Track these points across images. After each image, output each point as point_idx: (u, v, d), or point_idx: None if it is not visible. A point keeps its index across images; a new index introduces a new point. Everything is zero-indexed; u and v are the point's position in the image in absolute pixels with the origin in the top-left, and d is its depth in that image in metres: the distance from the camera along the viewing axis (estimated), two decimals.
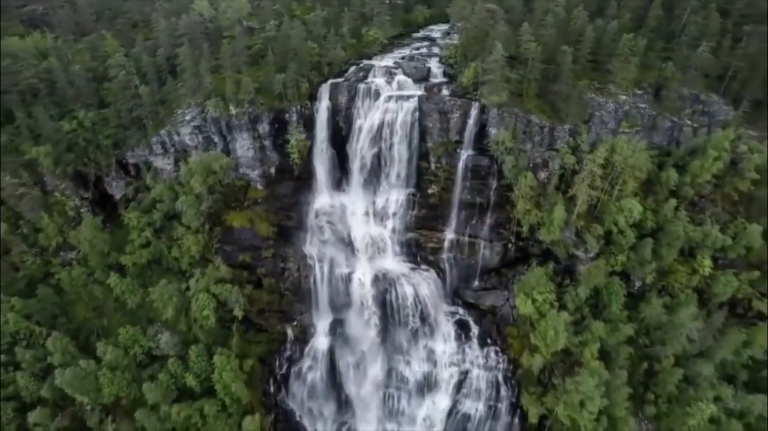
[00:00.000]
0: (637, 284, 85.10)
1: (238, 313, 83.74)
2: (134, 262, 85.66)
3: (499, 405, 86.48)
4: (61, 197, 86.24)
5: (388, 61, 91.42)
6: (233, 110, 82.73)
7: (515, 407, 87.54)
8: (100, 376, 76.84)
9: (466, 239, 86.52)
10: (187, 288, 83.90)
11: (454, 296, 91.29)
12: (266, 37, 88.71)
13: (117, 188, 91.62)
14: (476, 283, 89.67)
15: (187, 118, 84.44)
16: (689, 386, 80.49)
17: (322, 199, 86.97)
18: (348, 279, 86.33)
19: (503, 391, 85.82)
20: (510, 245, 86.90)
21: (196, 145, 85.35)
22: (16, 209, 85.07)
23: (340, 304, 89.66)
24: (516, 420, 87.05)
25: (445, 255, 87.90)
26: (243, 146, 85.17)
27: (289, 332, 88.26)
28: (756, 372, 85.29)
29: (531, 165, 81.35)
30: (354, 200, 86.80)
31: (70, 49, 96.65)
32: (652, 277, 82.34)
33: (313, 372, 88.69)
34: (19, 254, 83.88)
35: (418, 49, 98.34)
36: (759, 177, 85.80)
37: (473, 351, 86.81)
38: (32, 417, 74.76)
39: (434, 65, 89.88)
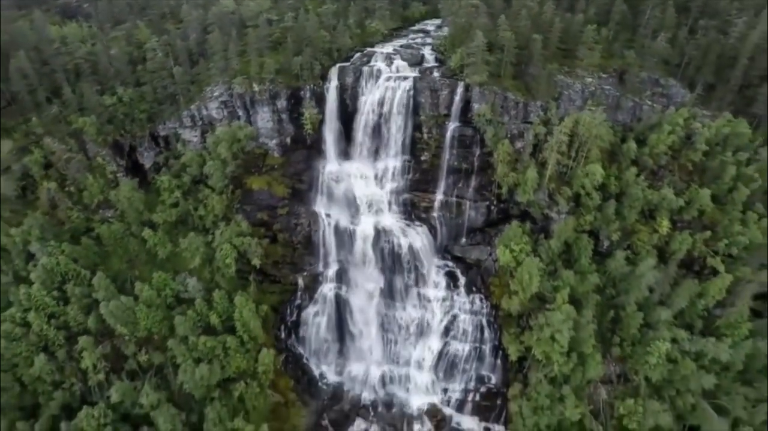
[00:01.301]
0: (606, 243, 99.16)
1: (256, 262, 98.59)
2: (164, 220, 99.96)
3: (484, 347, 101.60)
4: (102, 162, 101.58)
5: (388, 48, 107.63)
6: (256, 87, 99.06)
7: (498, 348, 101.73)
8: (137, 311, 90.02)
9: (454, 199, 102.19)
10: (212, 240, 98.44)
11: (444, 251, 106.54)
12: (284, 27, 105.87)
13: (147, 158, 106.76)
14: (463, 240, 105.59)
15: (216, 94, 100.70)
16: (649, 329, 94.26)
17: (331, 165, 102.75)
18: (352, 233, 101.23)
19: (487, 333, 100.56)
20: (492, 207, 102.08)
21: (222, 118, 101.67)
22: (63, 172, 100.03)
23: (345, 255, 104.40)
24: (498, 361, 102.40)
25: (435, 214, 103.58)
26: (263, 118, 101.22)
27: (300, 281, 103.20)
28: (711, 322, 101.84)
29: (508, 135, 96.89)
30: (358, 166, 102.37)
31: (107, 37, 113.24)
32: (617, 235, 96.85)
33: (320, 317, 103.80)
34: (66, 209, 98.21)
35: (413, 39, 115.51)
36: (709, 149, 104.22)
37: (461, 298, 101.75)
38: (80, 343, 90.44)
39: (427, 52, 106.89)
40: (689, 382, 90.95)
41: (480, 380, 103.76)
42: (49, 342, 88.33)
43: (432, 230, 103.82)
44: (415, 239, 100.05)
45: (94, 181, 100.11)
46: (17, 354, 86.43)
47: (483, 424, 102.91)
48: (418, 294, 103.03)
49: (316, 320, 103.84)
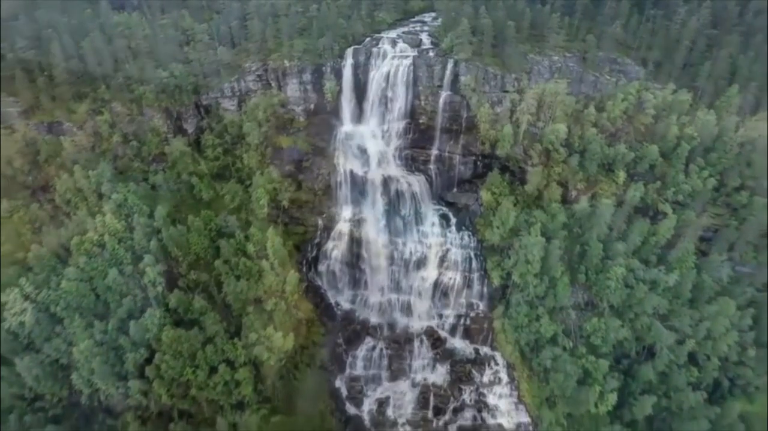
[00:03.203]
0: (573, 193, 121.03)
1: (285, 202, 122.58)
2: (208, 171, 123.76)
3: (472, 275, 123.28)
4: (156, 124, 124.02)
5: (392, 34, 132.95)
6: (287, 63, 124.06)
7: (484, 278, 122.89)
8: (189, 237, 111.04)
9: (446, 154, 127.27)
10: (249, 186, 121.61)
11: (439, 197, 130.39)
12: (310, 16, 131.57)
13: (191, 124, 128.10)
14: (455, 189, 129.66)
15: (253, 68, 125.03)
16: (609, 260, 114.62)
17: (346, 127, 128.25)
18: (364, 180, 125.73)
19: (474, 263, 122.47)
20: (478, 162, 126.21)
21: (257, 89, 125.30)
22: (125, 131, 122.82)
23: (358, 198, 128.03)
24: (485, 289, 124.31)
25: (431, 166, 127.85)
26: (292, 89, 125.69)
27: (320, 222, 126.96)
28: (663, 257, 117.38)
29: (489, 101, 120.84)
30: (368, 128, 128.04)
31: (157, 23, 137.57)
32: (582, 185, 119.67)
33: (336, 251, 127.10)
34: (127, 160, 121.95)
35: (413, 27, 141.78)
36: (657, 114, 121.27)
37: (452, 234, 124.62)
38: (143, 262, 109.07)
39: (424, 37, 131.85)
40: (644, 305, 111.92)
41: (470, 306, 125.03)
42: (119, 260, 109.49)
43: (428, 179, 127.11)
44: (415, 184, 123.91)
45: (152, 138, 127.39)
46: (94, 268, 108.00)
47: (472, 346, 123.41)
48: (418, 231, 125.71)
49: (333, 254, 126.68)
